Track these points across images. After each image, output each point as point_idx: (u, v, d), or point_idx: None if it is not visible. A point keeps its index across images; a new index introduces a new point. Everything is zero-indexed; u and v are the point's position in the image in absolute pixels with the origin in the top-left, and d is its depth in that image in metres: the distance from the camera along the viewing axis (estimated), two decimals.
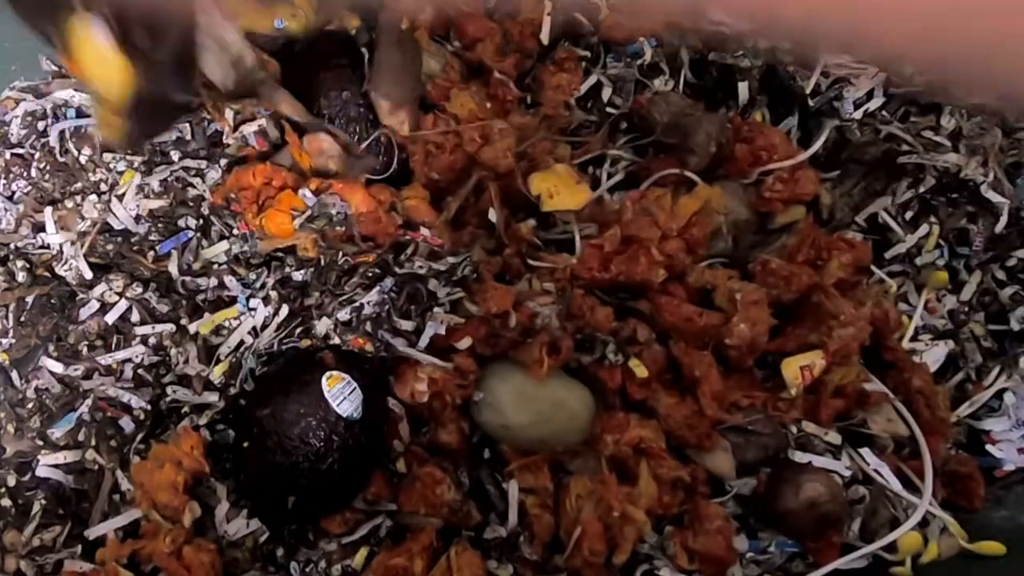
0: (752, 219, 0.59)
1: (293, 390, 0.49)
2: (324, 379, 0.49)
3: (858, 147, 0.62)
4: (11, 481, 0.52)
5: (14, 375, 0.55)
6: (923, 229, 0.61)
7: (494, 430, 0.51)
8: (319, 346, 0.52)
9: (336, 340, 0.51)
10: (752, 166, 0.59)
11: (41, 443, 0.52)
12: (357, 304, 0.52)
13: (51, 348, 0.55)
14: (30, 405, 0.54)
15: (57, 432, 0.53)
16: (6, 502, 0.52)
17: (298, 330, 0.52)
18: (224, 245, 0.56)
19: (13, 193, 0.60)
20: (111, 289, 0.56)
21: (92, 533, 0.50)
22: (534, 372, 0.50)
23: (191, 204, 0.58)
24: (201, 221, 0.58)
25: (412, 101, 0.60)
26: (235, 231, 0.56)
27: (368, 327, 0.51)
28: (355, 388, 0.49)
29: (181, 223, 0.57)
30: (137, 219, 0.59)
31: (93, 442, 0.52)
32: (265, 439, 0.48)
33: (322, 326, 0.52)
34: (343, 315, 0.52)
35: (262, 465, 0.49)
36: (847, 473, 0.53)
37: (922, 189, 0.62)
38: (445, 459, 0.52)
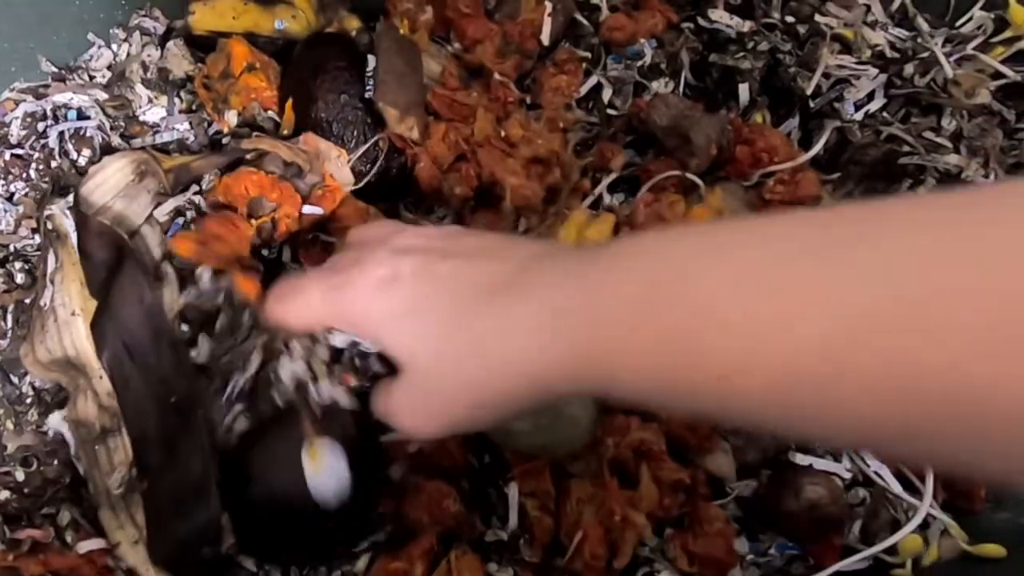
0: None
1: (273, 465, 0.46)
2: (304, 454, 0.44)
3: (859, 148, 0.61)
4: (20, 476, 0.52)
5: (11, 375, 0.55)
6: None
7: (496, 435, 0.51)
8: (299, 396, 0.44)
9: (316, 393, 0.44)
10: (753, 168, 0.59)
11: (40, 436, 0.53)
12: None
13: None
14: (28, 401, 0.54)
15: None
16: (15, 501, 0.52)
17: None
18: None
19: (12, 194, 0.60)
20: None
21: (83, 548, 0.49)
22: None
23: (190, 207, 0.58)
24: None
25: (418, 105, 0.60)
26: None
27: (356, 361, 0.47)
28: (341, 460, 0.45)
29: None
30: None
31: None
32: (253, 510, 0.47)
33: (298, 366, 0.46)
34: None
35: (251, 529, 0.48)
36: (848, 475, 0.53)
37: (923, 190, 0.62)
38: (448, 470, 0.52)
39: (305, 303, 0.41)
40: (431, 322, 0.36)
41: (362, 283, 0.38)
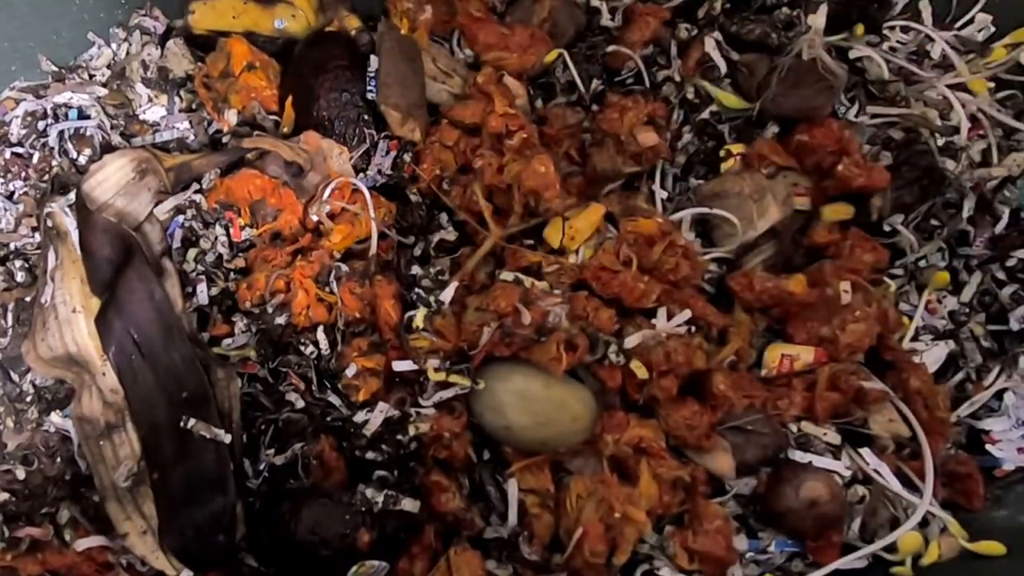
0: (794, 216, 0.59)
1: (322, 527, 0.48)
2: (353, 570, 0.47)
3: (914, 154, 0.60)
4: (21, 474, 0.52)
5: (11, 373, 0.55)
6: (935, 244, 0.60)
7: (496, 431, 0.51)
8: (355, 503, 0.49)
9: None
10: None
11: (41, 434, 0.53)
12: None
13: None
14: (28, 399, 0.54)
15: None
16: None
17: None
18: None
19: (12, 193, 0.60)
20: None
21: (80, 545, 0.50)
22: (552, 368, 0.49)
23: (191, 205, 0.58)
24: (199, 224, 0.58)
25: (420, 107, 0.60)
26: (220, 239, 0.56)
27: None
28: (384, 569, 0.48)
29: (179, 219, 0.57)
30: None
31: None
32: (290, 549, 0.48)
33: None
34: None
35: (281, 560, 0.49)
36: (847, 473, 0.52)
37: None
38: (447, 466, 0.52)
39: None
40: None
41: None
